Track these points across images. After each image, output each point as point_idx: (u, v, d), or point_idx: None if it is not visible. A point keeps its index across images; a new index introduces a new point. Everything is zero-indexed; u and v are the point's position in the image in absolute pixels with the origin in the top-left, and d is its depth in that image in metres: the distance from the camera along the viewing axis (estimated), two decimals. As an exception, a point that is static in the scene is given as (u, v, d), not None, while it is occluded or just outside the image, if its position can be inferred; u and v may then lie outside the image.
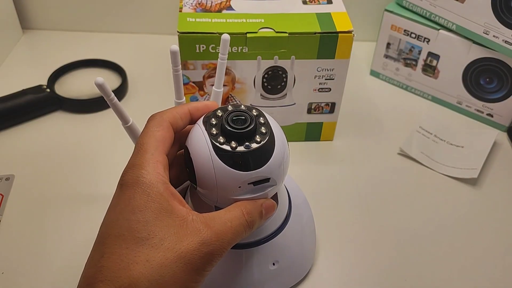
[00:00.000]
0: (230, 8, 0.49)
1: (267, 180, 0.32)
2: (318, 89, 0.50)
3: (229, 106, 0.33)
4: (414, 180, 0.51)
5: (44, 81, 0.59)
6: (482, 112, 0.59)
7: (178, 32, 0.45)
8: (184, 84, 0.48)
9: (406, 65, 0.62)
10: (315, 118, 0.53)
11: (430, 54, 0.59)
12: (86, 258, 0.29)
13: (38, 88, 0.57)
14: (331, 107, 0.52)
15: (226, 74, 0.48)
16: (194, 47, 0.46)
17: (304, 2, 0.50)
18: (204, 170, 0.31)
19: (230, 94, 0.50)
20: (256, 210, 0.32)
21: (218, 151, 0.30)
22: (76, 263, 0.32)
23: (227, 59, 0.40)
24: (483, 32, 0.53)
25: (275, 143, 0.32)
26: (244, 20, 0.47)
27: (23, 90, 0.56)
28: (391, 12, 0.59)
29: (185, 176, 0.37)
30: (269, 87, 0.50)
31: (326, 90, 0.51)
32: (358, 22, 0.59)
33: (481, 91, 0.57)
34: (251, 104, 0.51)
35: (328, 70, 0.49)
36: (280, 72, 0.49)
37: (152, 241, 0.27)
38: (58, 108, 0.58)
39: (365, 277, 0.42)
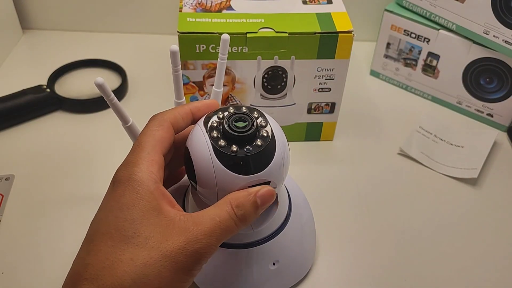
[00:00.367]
0: (230, 8, 0.49)
1: (267, 183, 0.32)
2: (318, 89, 0.50)
3: (230, 107, 0.33)
4: (414, 180, 0.51)
5: (44, 81, 0.59)
6: (482, 112, 0.59)
7: (178, 32, 0.45)
8: (184, 84, 0.48)
9: (406, 65, 0.62)
10: (315, 118, 0.53)
11: (430, 54, 0.59)
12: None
13: (38, 88, 0.57)
14: (331, 107, 0.52)
15: (226, 74, 0.48)
16: (194, 47, 0.46)
17: (304, 2, 0.50)
18: (204, 172, 0.31)
19: (230, 94, 0.50)
20: (248, 202, 0.30)
21: (219, 154, 0.30)
22: (76, 263, 0.32)
23: (227, 59, 0.40)
24: (483, 32, 0.53)
25: (276, 146, 0.32)
26: (244, 20, 0.47)
27: (23, 90, 0.56)
28: (391, 12, 0.59)
29: (174, 179, 0.38)
30: (269, 87, 0.50)
31: (326, 90, 0.51)
32: (358, 22, 0.59)
33: (481, 91, 0.57)
34: (251, 105, 0.51)
35: (328, 70, 0.49)
36: (280, 72, 0.49)
37: (138, 240, 0.27)
38: (58, 108, 0.58)
39: (365, 277, 0.42)
